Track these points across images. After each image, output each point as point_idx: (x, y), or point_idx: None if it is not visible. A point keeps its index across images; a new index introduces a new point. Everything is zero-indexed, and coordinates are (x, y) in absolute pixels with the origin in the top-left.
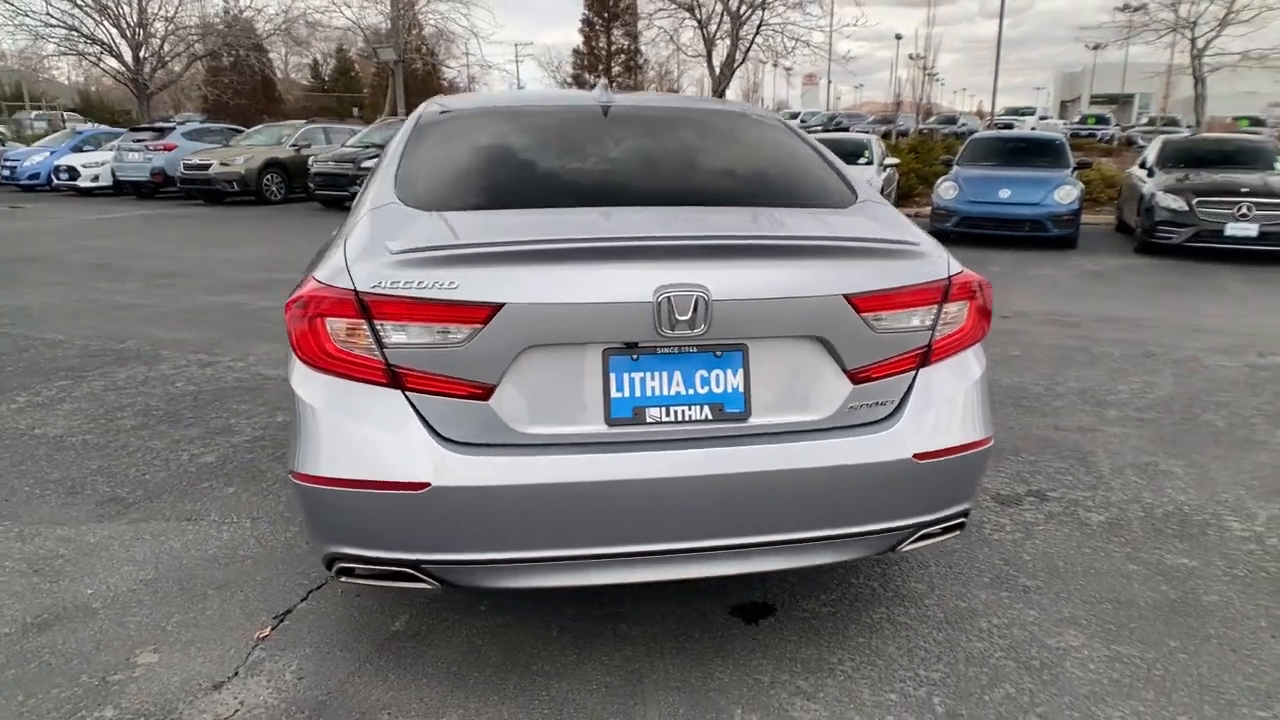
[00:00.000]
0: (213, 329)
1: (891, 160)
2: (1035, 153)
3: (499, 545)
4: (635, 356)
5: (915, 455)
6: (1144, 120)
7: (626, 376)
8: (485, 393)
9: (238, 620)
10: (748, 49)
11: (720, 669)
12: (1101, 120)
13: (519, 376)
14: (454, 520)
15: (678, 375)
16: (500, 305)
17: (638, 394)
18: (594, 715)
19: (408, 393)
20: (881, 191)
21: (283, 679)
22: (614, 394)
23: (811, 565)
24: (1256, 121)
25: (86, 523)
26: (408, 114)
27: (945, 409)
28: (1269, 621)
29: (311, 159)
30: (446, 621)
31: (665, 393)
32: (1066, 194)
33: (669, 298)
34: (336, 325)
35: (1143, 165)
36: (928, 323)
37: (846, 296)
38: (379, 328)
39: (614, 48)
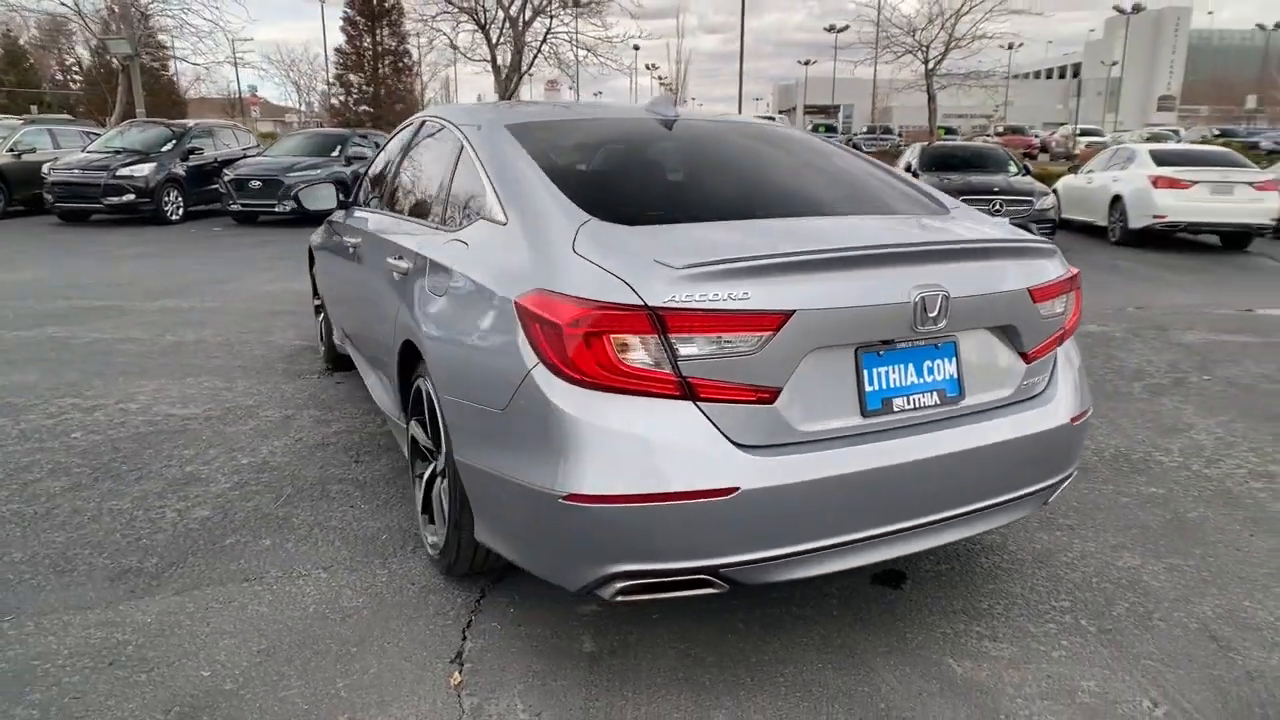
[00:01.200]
0: (52, 368)
1: None
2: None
3: (788, 540)
4: (880, 352)
5: (1070, 419)
6: (864, 129)
7: (875, 371)
8: (772, 396)
9: (413, 672)
10: (534, 56)
11: (904, 628)
12: (830, 129)
13: (798, 379)
14: (755, 521)
15: (911, 367)
16: (791, 312)
17: (883, 386)
18: (835, 689)
19: (700, 403)
20: None
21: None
22: (867, 388)
23: (1002, 525)
24: (950, 131)
25: (118, 602)
26: (149, 115)
27: (1075, 380)
28: (1240, 524)
29: (47, 166)
30: (633, 635)
31: (904, 383)
32: None
33: (923, 297)
34: (627, 341)
35: (907, 168)
36: (1064, 309)
37: (1029, 289)
38: (673, 341)
39: (381, 48)
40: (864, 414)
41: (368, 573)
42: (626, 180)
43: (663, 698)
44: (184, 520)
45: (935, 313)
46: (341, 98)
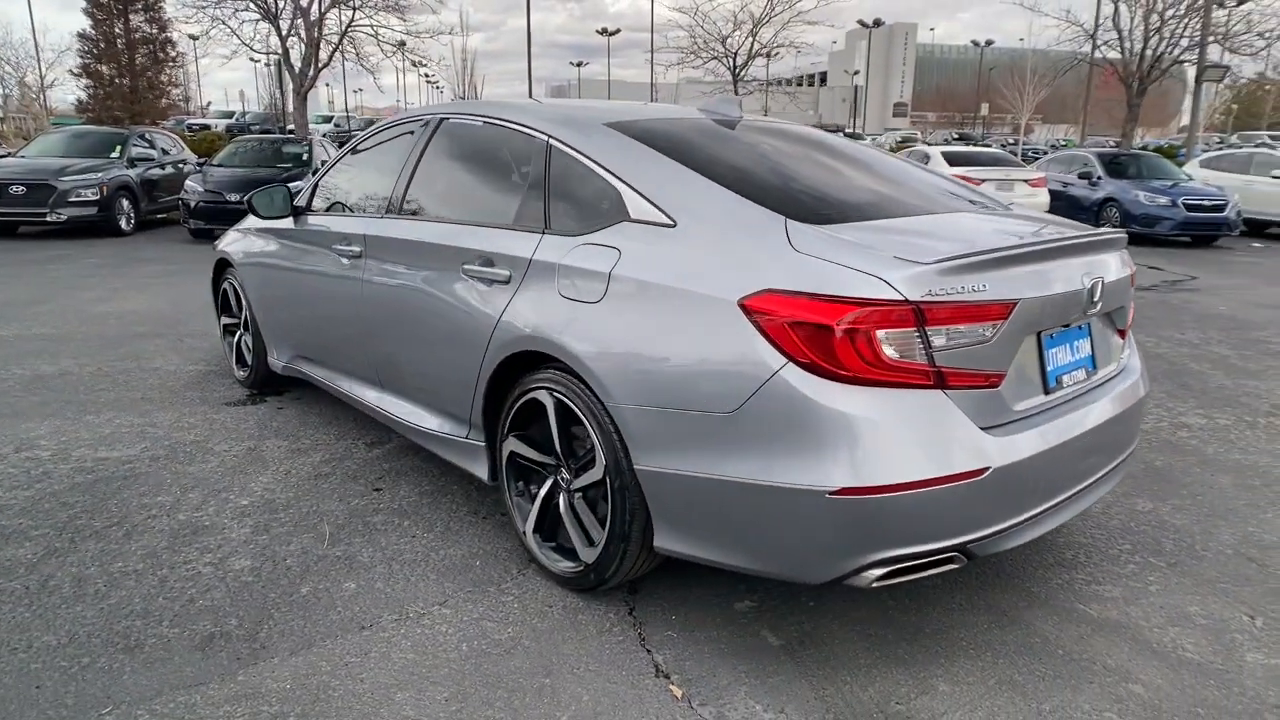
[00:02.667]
0: None
1: None
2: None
3: (1016, 511)
4: (1053, 334)
5: (1146, 392)
6: None
7: (1051, 352)
8: (1000, 380)
9: (629, 693)
10: (333, 50)
11: (1021, 585)
12: None
13: (1013, 363)
14: (997, 496)
15: (1068, 347)
16: (1016, 301)
17: (1056, 365)
18: (1013, 644)
19: (947, 391)
20: None
21: None
22: (1047, 367)
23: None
24: None
25: (232, 673)
26: None
27: (1139, 357)
28: (1198, 467)
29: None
30: (806, 626)
31: (1066, 362)
32: None
33: (1091, 284)
34: (891, 335)
35: None
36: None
37: (1130, 274)
38: (929, 334)
39: (136, 35)
40: (1046, 391)
41: (493, 602)
42: (772, 179)
43: (881, 676)
44: (228, 574)
45: (1098, 297)
46: (90, 91)
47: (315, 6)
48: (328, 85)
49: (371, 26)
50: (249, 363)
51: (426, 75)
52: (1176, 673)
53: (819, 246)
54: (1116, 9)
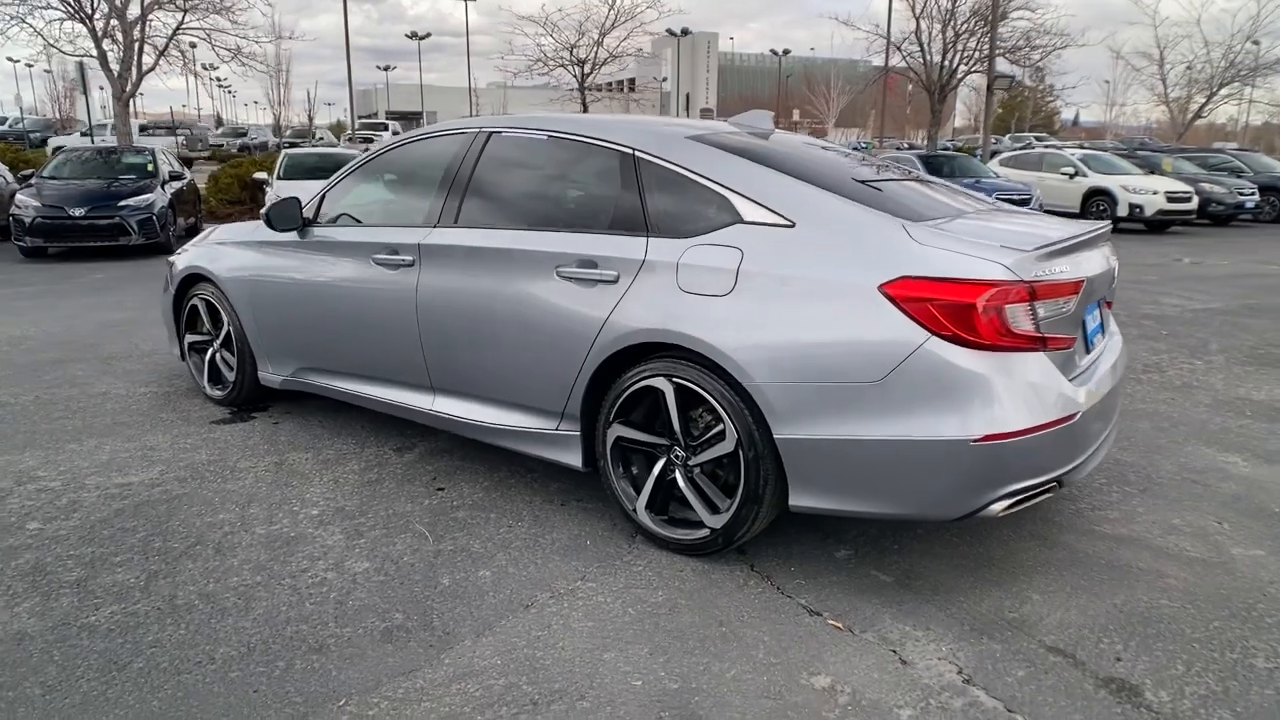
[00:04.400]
0: None
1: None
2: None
3: (1086, 446)
4: (1089, 306)
5: (1123, 345)
6: None
7: (1087, 320)
8: (1073, 343)
9: (799, 632)
10: (160, 53)
11: (1069, 537)
12: None
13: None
14: (1079, 436)
15: (1092, 316)
16: (1084, 280)
17: (1090, 331)
18: (1062, 559)
19: (1047, 352)
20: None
21: (944, 650)
22: (1088, 331)
23: None
24: None
25: (432, 660)
26: None
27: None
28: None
29: None
30: (899, 565)
31: (1092, 328)
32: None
33: (1111, 265)
34: (1015, 310)
35: None
36: None
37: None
38: (1036, 307)
39: None
40: (1088, 351)
41: (629, 573)
42: (854, 185)
43: (984, 595)
44: (356, 576)
45: (1115, 277)
46: None
47: (135, 6)
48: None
49: (204, 30)
50: (230, 380)
51: (219, 79)
52: (1191, 568)
53: (935, 240)
54: (918, 25)
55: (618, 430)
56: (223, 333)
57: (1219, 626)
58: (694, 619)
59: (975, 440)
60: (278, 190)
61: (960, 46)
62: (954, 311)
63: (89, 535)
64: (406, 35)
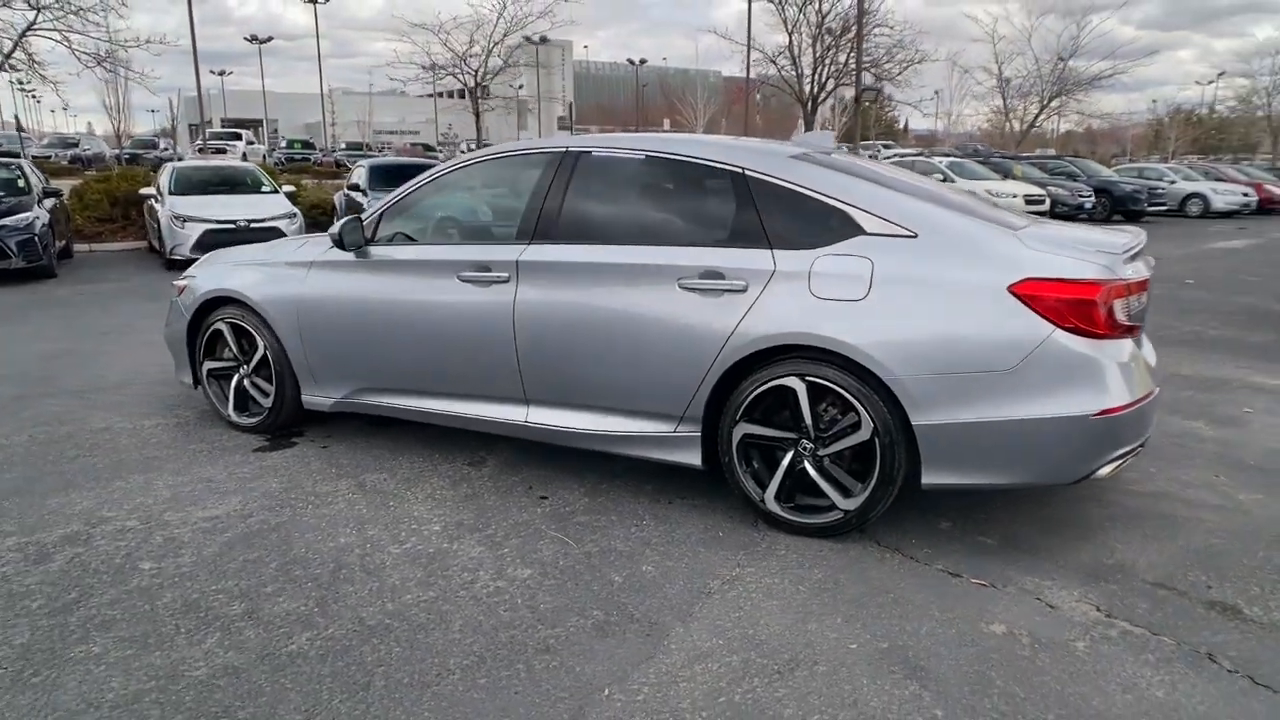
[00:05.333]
0: None
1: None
2: None
3: (1154, 417)
4: None
5: None
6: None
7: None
8: (1140, 330)
9: (955, 592)
10: (6, 57)
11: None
12: (308, 145)
13: None
14: (1154, 407)
15: None
16: (1147, 279)
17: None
18: (1106, 514)
19: (1134, 338)
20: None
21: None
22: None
23: None
24: (429, 148)
25: (661, 648)
26: None
27: None
28: None
29: None
30: (944, 523)
31: None
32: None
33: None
34: (1119, 303)
35: (357, 187)
36: None
37: None
38: (1129, 301)
39: None
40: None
41: (777, 558)
42: (943, 197)
43: (1077, 550)
44: (525, 581)
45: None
46: None
47: None
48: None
49: (60, 33)
50: (265, 405)
51: (21, 83)
52: (1218, 513)
53: (1044, 246)
54: (790, 40)
55: (744, 428)
56: (256, 357)
57: (1265, 555)
58: (861, 589)
59: (1094, 415)
60: (171, 207)
61: (828, 60)
62: (1076, 307)
63: (217, 569)
64: (245, 38)
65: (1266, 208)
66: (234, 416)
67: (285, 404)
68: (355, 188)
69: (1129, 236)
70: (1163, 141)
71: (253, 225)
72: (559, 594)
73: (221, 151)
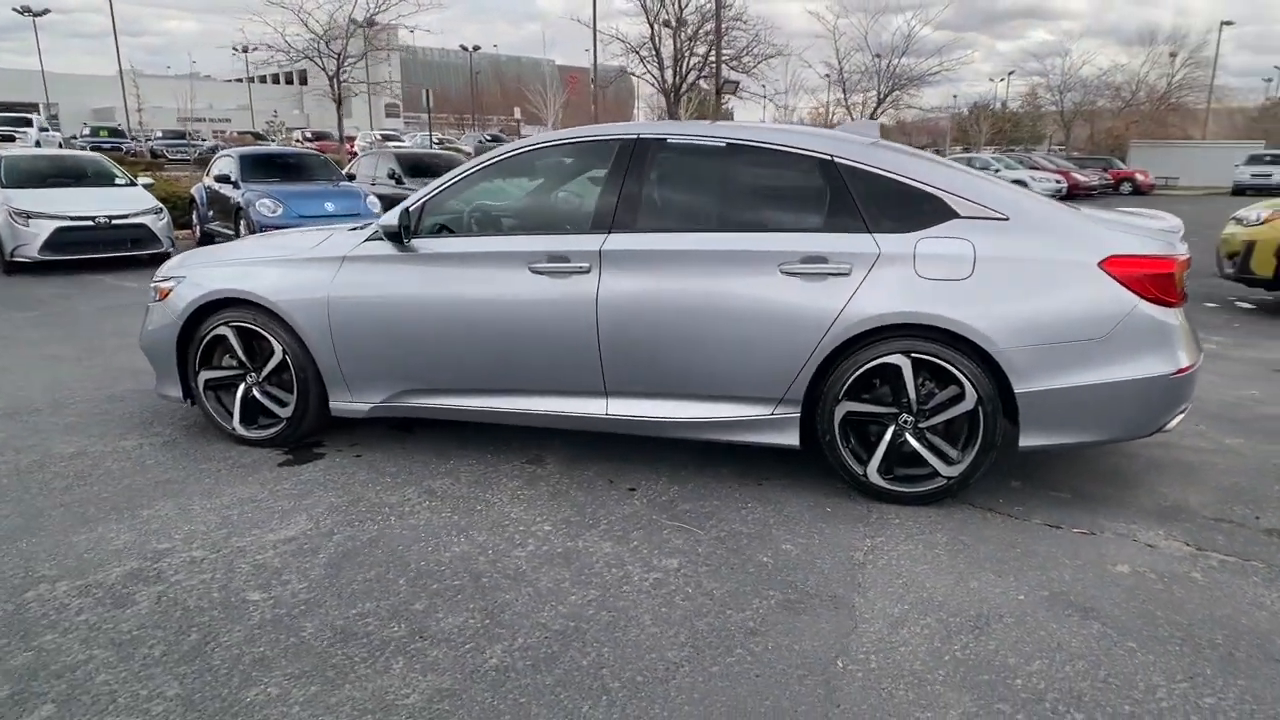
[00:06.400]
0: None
1: None
2: None
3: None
4: None
5: None
6: (86, 130)
7: None
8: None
9: (1065, 542)
10: None
11: (1154, 452)
12: (116, 133)
13: None
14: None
15: None
16: (1189, 257)
17: None
18: (1149, 466)
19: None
20: None
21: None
22: None
23: None
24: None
25: (849, 623)
26: None
27: None
28: None
29: None
30: (1068, 483)
31: None
32: None
33: None
34: (1182, 277)
35: (225, 179)
36: None
37: None
38: (1183, 275)
39: None
40: None
41: (892, 529)
42: (1006, 186)
43: (1139, 498)
44: (677, 572)
45: None
46: None
47: None
48: None
49: None
50: (283, 415)
51: None
52: (1223, 456)
53: (1118, 227)
54: (654, 32)
55: (846, 406)
56: (271, 363)
57: None
58: (990, 548)
59: (1173, 374)
60: (8, 201)
61: (688, 53)
62: (1158, 280)
63: (342, 592)
64: (15, 9)
65: (1074, 193)
66: (242, 430)
67: (309, 413)
68: (224, 179)
69: (1175, 219)
70: (969, 134)
71: (114, 222)
72: (721, 579)
73: (10, 139)
